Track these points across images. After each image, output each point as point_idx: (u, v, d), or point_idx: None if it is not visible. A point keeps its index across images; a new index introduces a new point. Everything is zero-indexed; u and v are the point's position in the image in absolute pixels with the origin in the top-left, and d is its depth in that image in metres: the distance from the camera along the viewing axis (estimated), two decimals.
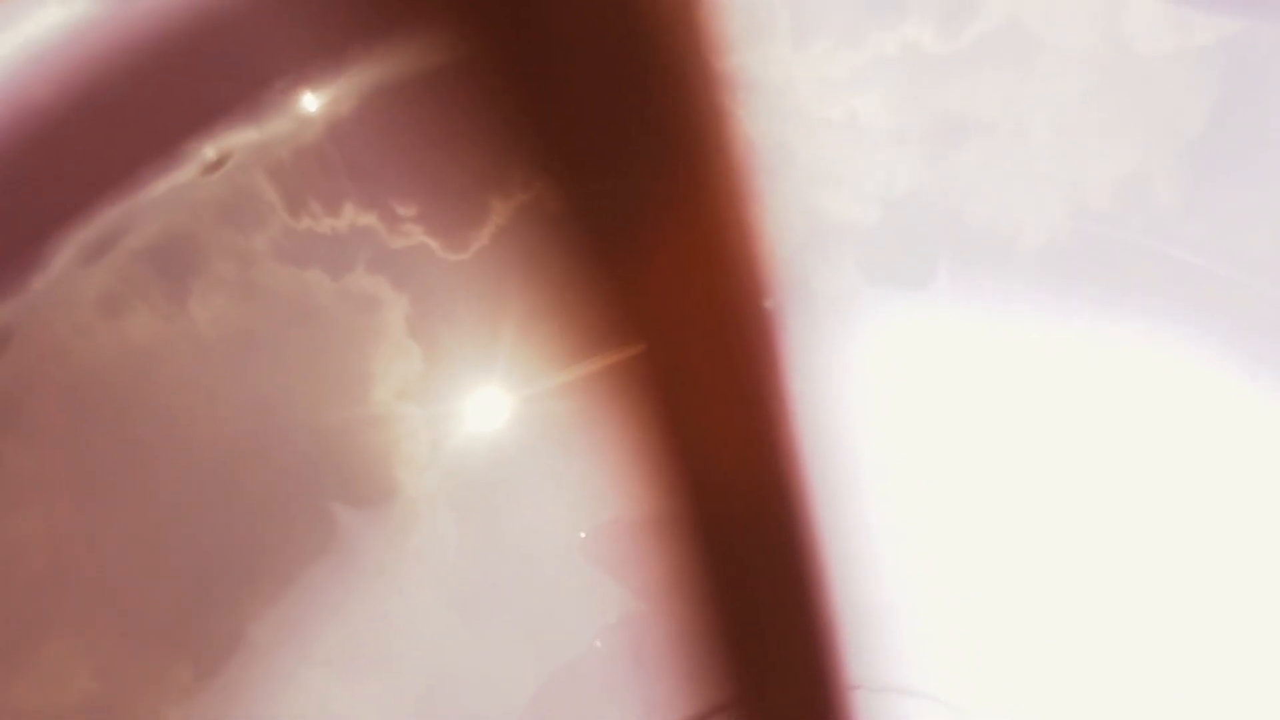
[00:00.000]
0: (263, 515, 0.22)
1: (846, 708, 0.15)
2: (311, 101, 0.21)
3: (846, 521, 0.13)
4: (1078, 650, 0.21)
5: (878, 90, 0.22)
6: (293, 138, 0.21)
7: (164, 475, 0.21)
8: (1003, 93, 0.22)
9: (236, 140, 0.21)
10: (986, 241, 0.23)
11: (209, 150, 0.20)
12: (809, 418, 0.12)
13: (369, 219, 0.22)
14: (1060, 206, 0.23)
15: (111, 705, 0.20)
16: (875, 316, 0.23)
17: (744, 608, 0.14)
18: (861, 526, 0.14)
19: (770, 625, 0.14)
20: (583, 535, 0.22)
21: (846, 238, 0.23)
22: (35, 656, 0.20)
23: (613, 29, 0.09)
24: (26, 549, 0.20)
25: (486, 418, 0.23)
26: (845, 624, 0.14)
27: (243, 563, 0.21)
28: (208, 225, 0.21)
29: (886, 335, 0.23)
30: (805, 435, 0.12)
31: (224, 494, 0.21)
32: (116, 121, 0.19)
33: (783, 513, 0.13)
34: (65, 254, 0.19)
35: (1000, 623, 0.22)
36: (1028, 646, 0.21)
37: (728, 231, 0.10)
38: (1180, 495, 0.22)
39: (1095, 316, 0.23)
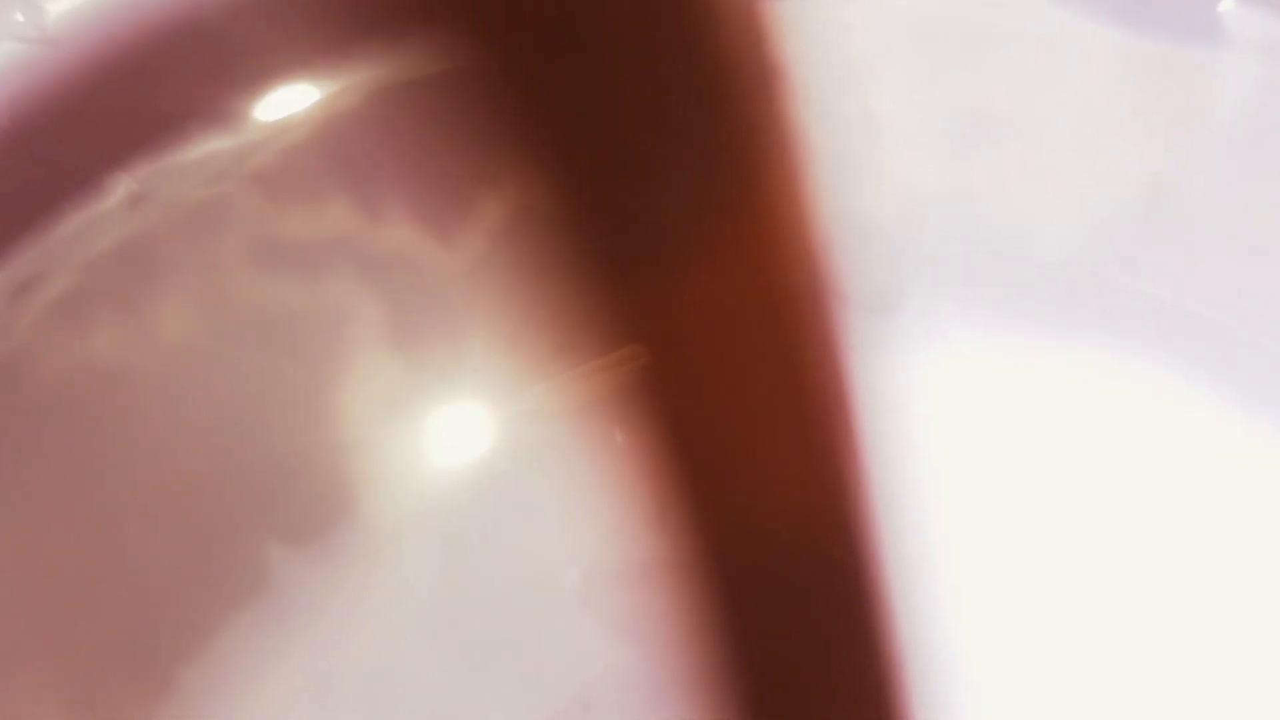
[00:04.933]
0: (234, 538, 0.21)
1: None
2: (297, 106, 0.21)
3: (903, 566, 0.12)
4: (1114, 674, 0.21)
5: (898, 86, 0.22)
6: (276, 144, 0.21)
7: (134, 496, 0.21)
8: (1025, 88, 0.22)
9: (212, 147, 0.20)
10: (1005, 242, 0.22)
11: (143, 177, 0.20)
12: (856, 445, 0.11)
13: (353, 223, 0.21)
14: (1079, 206, 0.22)
15: None
16: (894, 325, 0.23)
17: (776, 670, 0.12)
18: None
19: (811, 694, 0.12)
20: (573, 578, 0.22)
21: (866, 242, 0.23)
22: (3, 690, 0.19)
23: (652, 31, 0.09)
24: None
25: (473, 440, 0.22)
26: (908, 693, 0.12)
27: (210, 589, 0.21)
28: (179, 238, 0.21)
29: (905, 341, 0.23)
30: (865, 463, 0.11)
31: (194, 515, 0.21)
32: (50, 153, 0.19)
33: (830, 558, 0.11)
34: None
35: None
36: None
37: (782, 237, 0.09)
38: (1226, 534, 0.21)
39: (1114, 326, 0.22)
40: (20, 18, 0.19)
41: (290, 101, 0.21)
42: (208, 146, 0.20)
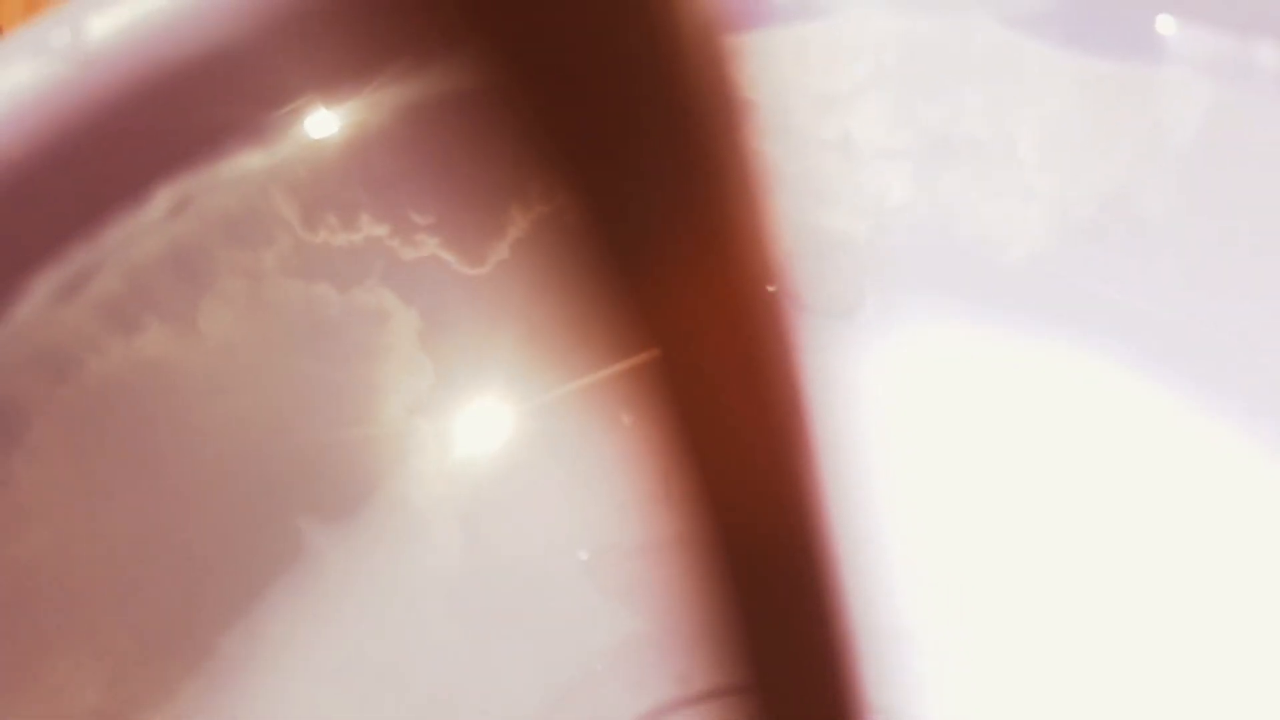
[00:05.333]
0: (264, 528, 0.22)
1: None
2: (329, 122, 0.21)
3: (864, 541, 0.13)
4: (1089, 673, 0.21)
5: (868, 106, 0.23)
6: (310, 157, 0.21)
7: (171, 490, 0.21)
8: (990, 108, 0.23)
9: (250, 162, 0.21)
10: (974, 257, 0.23)
11: (175, 192, 0.21)
12: (822, 435, 0.12)
13: (383, 231, 0.22)
14: (1046, 222, 0.23)
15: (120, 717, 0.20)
16: (864, 332, 0.24)
17: (760, 630, 0.14)
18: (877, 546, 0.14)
19: (786, 648, 0.14)
20: (584, 557, 0.22)
21: (839, 253, 0.23)
22: (42, 671, 0.20)
23: (636, 51, 0.09)
24: (36, 563, 0.20)
25: (495, 432, 0.23)
26: (863, 649, 0.13)
27: (249, 564, 0.22)
28: (219, 244, 0.21)
29: (877, 352, 0.23)
30: (824, 453, 0.12)
31: (227, 506, 0.22)
32: (91, 166, 0.20)
33: (802, 533, 0.12)
34: (43, 290, 0.20)
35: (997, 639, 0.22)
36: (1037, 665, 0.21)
37: (744, 243, 0.10)
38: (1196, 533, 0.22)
39: (1080, 333, 0.23)
40: (63, 40, 0.20)
41: (322, 118, 0.21)
42: (245, 161, 0.21)
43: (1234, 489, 0.22)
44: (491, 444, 0.23)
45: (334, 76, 0.21)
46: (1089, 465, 0.23)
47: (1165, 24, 0.21)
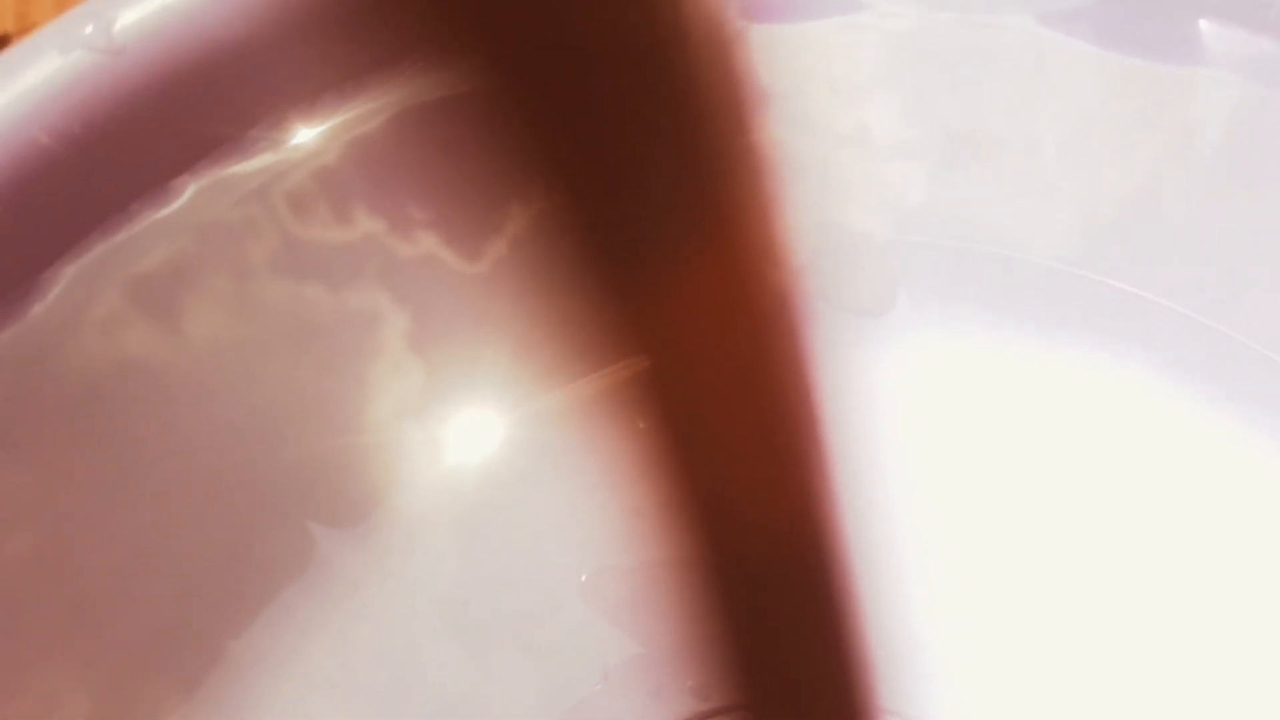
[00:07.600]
0: (257, 534, 0.22)
1: None
2: (331, 124, 0.21)
3: (879, 547, 0.13)
4: (1101, 681, 0.21)
5: (889, 102, 0.22)
6: (312, 157, 0.21)
7: (158, 493, 0.21)
8: (1015, 104, 0.22)
9: (244, 167, 0.21)
10: (995, 248, 0.23)
11: (197, 183, 0.21)
12: (836, 440, 0.12)
13: (380, 226, 0.22)
14: (1070, 221, 0.22)
15: None
16: (882, 335, 0.23)
17: (768, 646, 0.13)
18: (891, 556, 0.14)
19: (796, 661, 0.13)
20: (583, 579, 0.22)
21: (859, 251, 0.23)
22: (28, 680, 0.20)
23: (641, 52, 0.09)
24: (21, 569, 0.20)
25: (490, 439, 0.23)
26: (877, 656, 0.13)
27: (236, 582, 0.21)
28: (213, 248, 0.21)
29: (895, 355, 0.23)
30: (838, 459, 0.12)
31: (219, 512, 0.21)
32: (114, 157, 0.20)
33: (810, 546, 0.12)
34: (63, 282, 0.20)
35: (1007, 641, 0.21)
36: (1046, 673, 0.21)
37: (752, 248, 0.10)
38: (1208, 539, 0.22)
39: (1104, 335, 0.23)
40: (89, 29, 0.20)
41: (323, 121, 0.21)
42: (248, 162, 0.21)
43: (1260, 496, 0.22)
44: (486, 450, 0.23)
45: (338, 80, 0.21)
46: (1111, 470, 0.22)
47: (1200, 24, 0.21)
